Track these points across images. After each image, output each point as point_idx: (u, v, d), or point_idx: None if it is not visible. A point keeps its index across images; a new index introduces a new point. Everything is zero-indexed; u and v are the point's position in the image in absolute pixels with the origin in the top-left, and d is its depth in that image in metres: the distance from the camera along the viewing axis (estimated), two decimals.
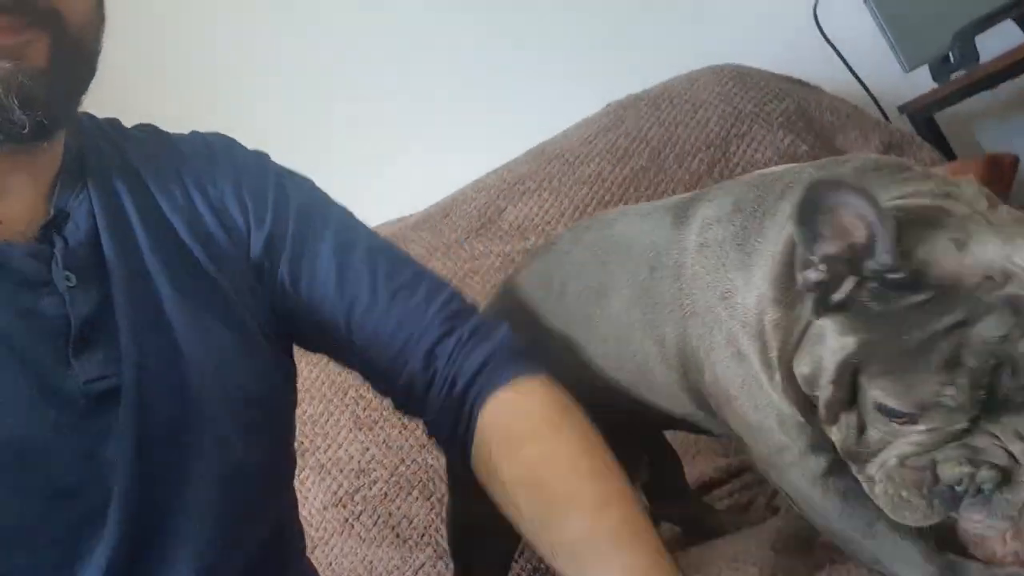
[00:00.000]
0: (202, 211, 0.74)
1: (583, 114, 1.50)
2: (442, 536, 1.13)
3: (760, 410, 0.65)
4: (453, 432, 0.73)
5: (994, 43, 1.42)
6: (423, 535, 1.15)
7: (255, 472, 0.70)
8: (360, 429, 1.24)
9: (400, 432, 1.23)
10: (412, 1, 1.66)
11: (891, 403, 0.52)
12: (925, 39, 1.42)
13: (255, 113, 1.52)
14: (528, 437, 0.70)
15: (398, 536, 1.16)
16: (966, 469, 0.51)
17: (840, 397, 0.55)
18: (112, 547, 0.59)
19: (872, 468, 0.56)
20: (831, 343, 0.55)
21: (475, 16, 1.66)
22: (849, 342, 0.54)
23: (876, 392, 0.53)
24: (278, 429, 0.76)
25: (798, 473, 0.65)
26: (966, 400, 0.49)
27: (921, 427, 0.52)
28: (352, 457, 1.23)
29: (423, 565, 1.13)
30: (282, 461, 0.78)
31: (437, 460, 1.20)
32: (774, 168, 0.76)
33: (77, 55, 0.64)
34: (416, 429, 1.22)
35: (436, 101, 1.66)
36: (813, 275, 0.55)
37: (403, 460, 1.21)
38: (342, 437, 1.24)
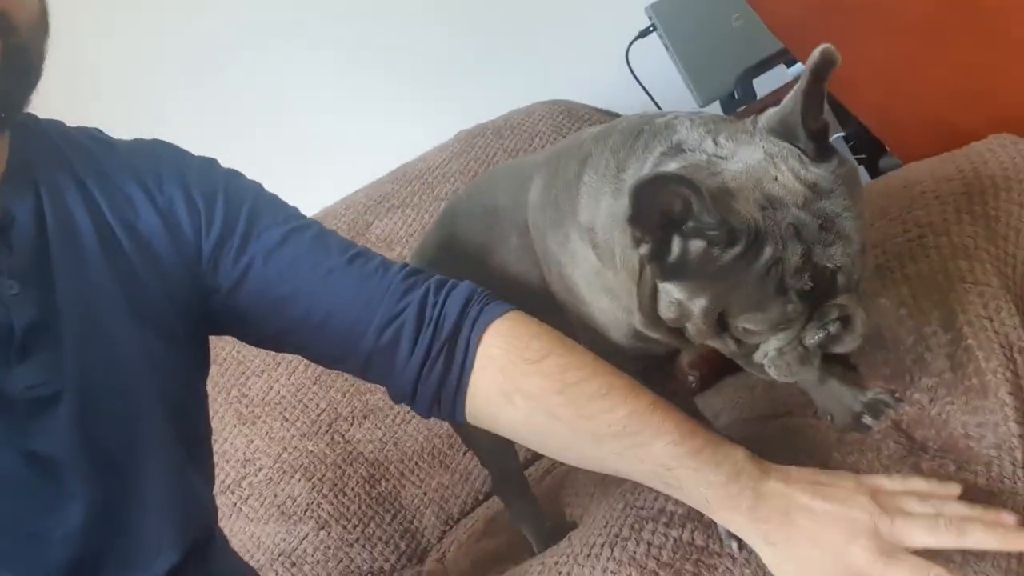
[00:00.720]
0: (144, 214, 0.74)
1: (437, 140, 1.70)
2: (323, 509, 1.28)
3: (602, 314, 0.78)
4: (444, 376, 0.75)
5: (769, 82, 1.76)
6: (306, 510, 1.27)
7: (194, 463, 0.77)
8: (244, 424, 1.35)
9: (282, 424, 1.35)
10: (289, 34, 1.81)
11: (754, 328, 0.64)
12: (715, 80, 1.73)
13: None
14: (546, 352, 0.73)
15: (283, 513, 1.28)
16: (820, 334, 0.64)
17: (711, 331, 0.66)
18: (70, 539, 0.64)
19: (758, 358, 0.67)
20: (686, 301, 0.65)
21: (345, 53, 1.86)
22: (703, 301, 0.64)
23: (740, 324, 0.64)
24: (199, 425, 0.81)
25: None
26: (802, 308, 0.63)
27: (784, 337, 0.65)
28: (237, 449, 1.33)
29: (307, 535, 1.25)
30: (206, 457, 0.83)
31: (316, 446, 1.33)
32: (568, 140, 0.86)
33: (25, 58, 0.65)
34: (297, 420, 1.36)
35: (306, 125, 1.83)
36: (643, 249, 0.63)
37: (285, 448, 1.33)
38: (227, 432, 1.34)
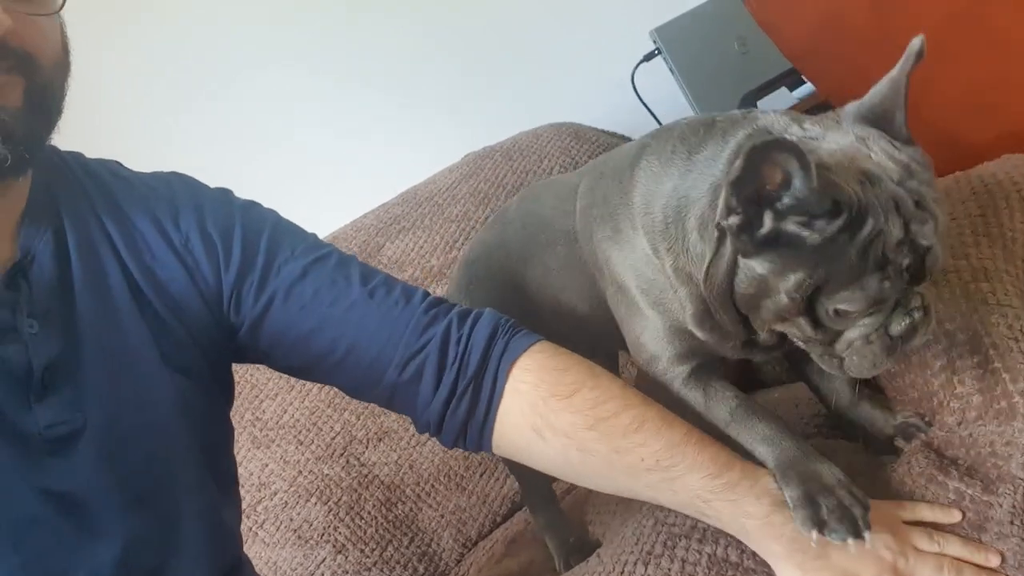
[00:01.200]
0: (160, 254, 0.74)
1: (444, 164, 1.71)
2: (340, 533, 1.28)
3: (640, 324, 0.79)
4: (471, 411, 0.75)
5: (772, 104, 1.79)
6: (323, 535, 1.27)
7: (223, 499, 0.78)
8: (258, 448, 1.35)
9: (296, 448, 1.35)
10: (294, 58, 1.82)
11: (851, 307, 0.64)
12: (719, 103, 1.75)
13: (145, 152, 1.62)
14: (577, 387, 0.74)
15: (299, 538, 1.28)
16: (907, 321, 0.65)
17: (796, 310, 0.65)
18: (108, 574, 0.64)
19: (839, 348, 0.67)
20: (772, 278, 0.64)
21: (349, 78, 1.87)
22: (797, 276, 0.63)
23: (837, 304, 0.64)
24: (225, 458, 0.82)
25: (668, 379, 0.78)
26: (899, 286, 0.63)
27: (868, 318, 0.65)
28: (252, 473, 1.33)
29: (324, 560, 1.25)
30: (236, 493, 0.84)
31: (332, 469, 1.33)
32: (611, 152, 0.89)
33: (48, 96, 0.67)
34: (312, 444, 1.36)
35: (312, 150, 1.84)
36: (734, 219, 0.62)
37: (300, 472, 1.33)
38: (241, 456, 1.34)
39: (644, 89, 1.77)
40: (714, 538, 0.76)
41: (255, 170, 1.78)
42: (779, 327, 0.69)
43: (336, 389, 0.83)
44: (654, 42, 1.69)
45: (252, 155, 1.84)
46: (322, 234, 1.63)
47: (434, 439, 0.81)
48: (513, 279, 0.96)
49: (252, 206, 0.82)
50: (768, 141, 0.59)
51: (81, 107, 0.72)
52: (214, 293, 0.76)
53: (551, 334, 0.84)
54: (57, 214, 0.72)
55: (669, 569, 0.75)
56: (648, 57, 1.73)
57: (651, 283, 0.77)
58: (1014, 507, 0.71)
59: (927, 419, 0.80)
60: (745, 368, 1.20)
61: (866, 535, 0.66)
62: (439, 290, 1.45)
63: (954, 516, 0.72)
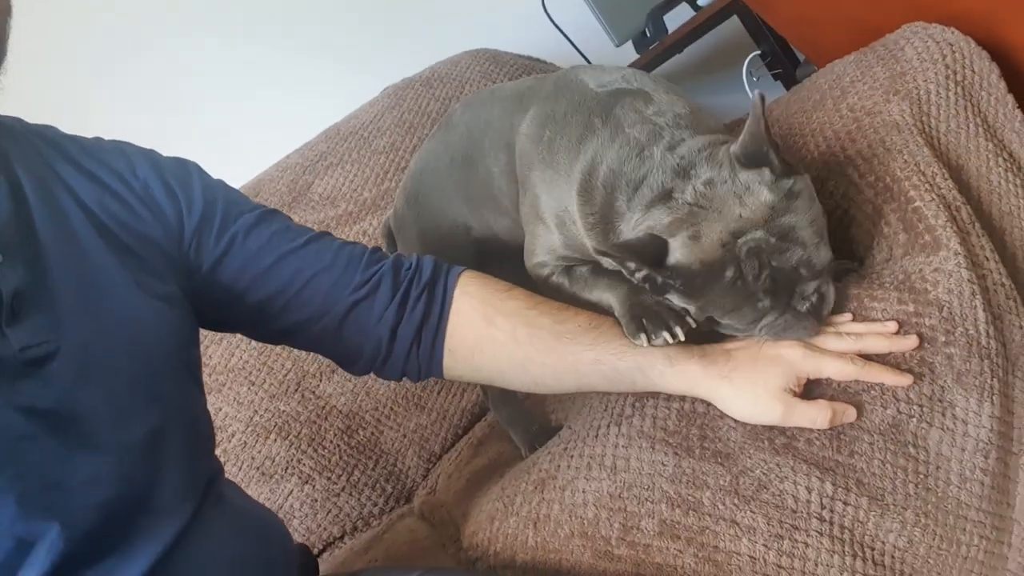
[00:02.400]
0: (122, 196, 0.77)
1: (363, 99, 1.70)
2: (304, 464, 1.29)
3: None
4: (426, 312, 0.83)
5: (678, 17, 1.84)
6: (287, 468, 1.28)
7: (200, 415, 0.80)
8: (210, 393, 1.33)
9: (249, 388, 1.34)
10: (198, 18, 1.78)
11: (739, 327, 0.78)
12: (627, 20, 1.80)
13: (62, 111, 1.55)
14: (509, 286, 0.86)
15: (263, 474, 1.28)
16: (806, 304, 0.77)
17: (708, 324, 0.79)
18: (93, 485, 0.65)
19: (755, 334, 0.79)
20: (680, 301, 0.78)
21: (262, 18, 1.83)
22: (692, 308, 0.77)
23: (725, 325, 0.78)
24: (200, 378, 0.84)
25: (544, 277, 0.92)
26: (773, 302, 0.75)
27: (766, 322, 0.77)
28: None
29: (291, 491, 1.26)
30: (207, 410, 0.84)
31: (288, 405, 1.33)
32: (569, 87, 0.92)
33: None
34: (264, 383, 1.35)
35: (228, 108, 1.81)
36: (639, 276, 0.77)
37: (255, 412, 1.32)
38: None
39: (556, 12, 1.79)
40: (680, 396, 0.81)
41: (170, 135, 1.73)
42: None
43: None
44: None
45: (160, 118, 1.78)
46: (243, 179, 1.63)
47: (380, 378, 0.88)
48: (457, 182, 1.02)
49: (202, 168, 0.86)
50: (626, 247, 0.76)
51: None
52: (176, 234, 0.79)
53: (490, 237, 0.99)
54: (8, 166, 0.73)
55: (641, 426, 0.79)
56: None
57: (567, 225, 0.87)
58: (941, 325, 0.78)
59: (858, 261, 0.87)
60: None
61: (678, 331, 0.77)
62: (376, 222, 1.45)
63: (846, 316, 0.81)
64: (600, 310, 0.86)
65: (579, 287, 0.90)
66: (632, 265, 0.76)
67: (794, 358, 0.76)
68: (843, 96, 0.96)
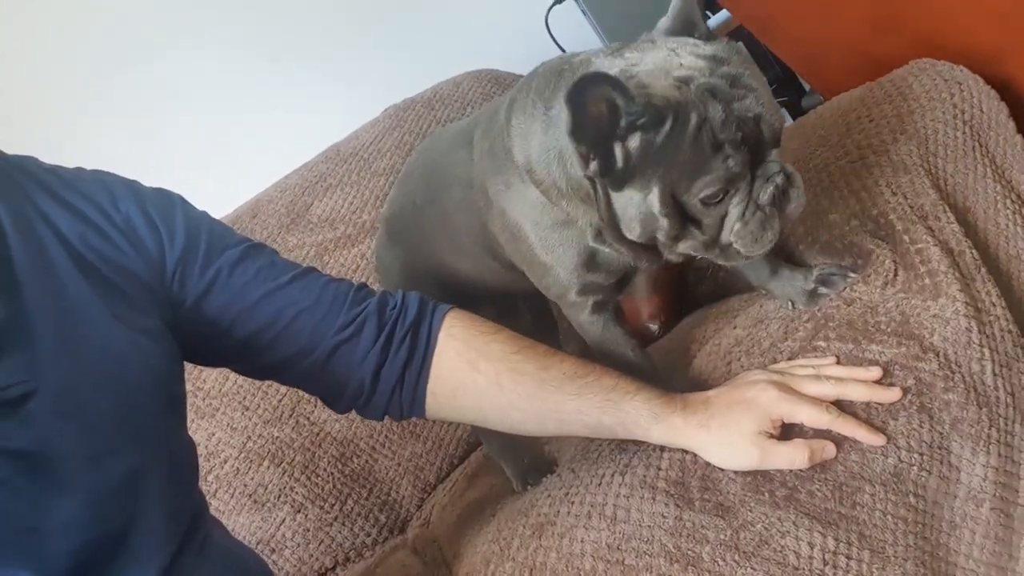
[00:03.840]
0: (103, 229, 0.76)
1: (364, 119, 1.68)
2: (297, 492, 1.27)
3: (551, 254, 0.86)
4: (410, 355, 0.83)
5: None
6: (279, 496, 1.26)
7: (183, 452, 0.79)
8: (203, 418, 1.32)
9: (243, 414, 1.32)
10: (214, 25, 1.77)
11: (708, 193, 0.71)
12: (631, 41, 1.78)
13: (60, 131, 1.55)
14: (498, 328, 0.85)
15: (255, 502, 1.26)
16: (770, 187, 0.72)
17: (676, 222, 0.73)
18: (67, 530, 0.65)
19: (724, 237, 0.74)
20: (644, 202, 0.72)
21: (264, 37, 1.81)
22: (656, 190, 0.71)
23: (696, 195, 0.71)
24: (184, 414, 0.83)
25: (575, 309, 0.89)
26: (741, 159, 0.70)
27: (732, 196, 0.72)
28: (199, 444, 1.30)
29: (284, 520, 1.25)
30: (192, 445, 0.83)
31: (282, 432, 1.31)
32: (502, 96, 0.92)
33: None
34: (259, 408, 1.34)
35: (229, 124, 1.80)
36: (593, 165, 0.71)
37: (249, 437, 1.31)
38: None
39: (559, 31, 1.78)
40: (683, 449, 0.80)
41: (168, 153, 1.73)
42: (680, 248, 0.77)
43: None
44: None
45: (158, 134, 1.77)
46: (244, 200, 1.62)
47: (363, 417, 0.88)
48: (420, 228, 1.02)
49: (186, 201, 0.85)
50: (578, 82, 0.65)
51: None
52: (158, 267, 0.78)
53: (461, 275, 0.99)
54: None
55: (644, 475, 0.78)
56: (559, 0, 1.74)
57: (548, 229, 0.84)
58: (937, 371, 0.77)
59: (845, 268, 0.86)
60: (679, 289, 1.24)
61: None
62: (374, 246, 1.44)
63: (829, 360, 0.81)
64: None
65: (611, 346, 0.88)
66: (583, 146, 0.70)
67: (768, 401, 0.76)
68: (848, 133, 0.95)
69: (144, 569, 0.69)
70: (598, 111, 0.67)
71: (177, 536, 0.74)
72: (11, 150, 0.79)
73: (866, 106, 0.97)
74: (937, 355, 0.77)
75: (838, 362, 0.80)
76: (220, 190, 1.66)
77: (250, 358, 0.83)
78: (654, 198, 0.71)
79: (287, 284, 0.82)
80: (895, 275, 0.82)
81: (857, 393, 0.77)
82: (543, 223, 0.84)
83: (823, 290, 0.87)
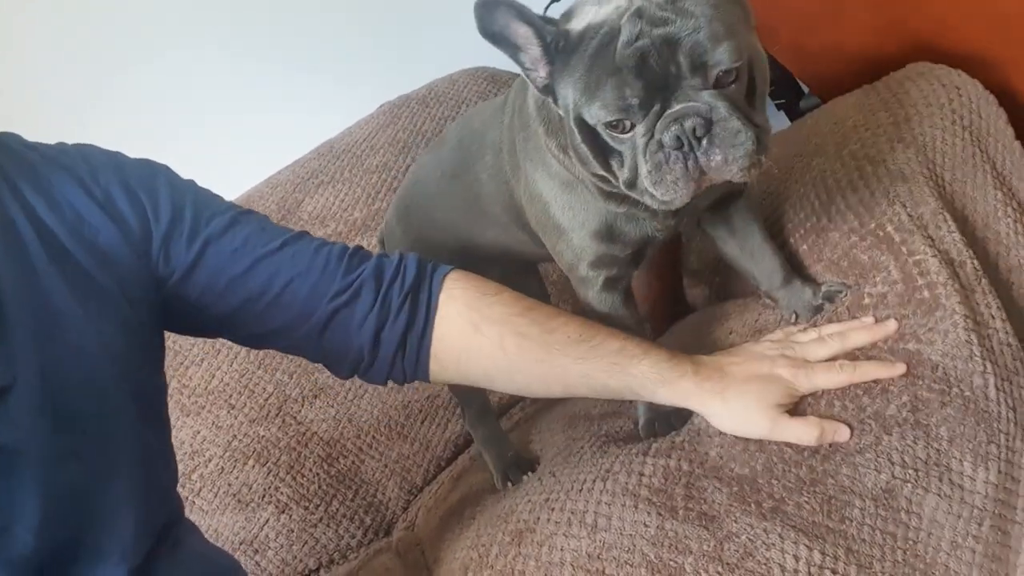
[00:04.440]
0: (84, 210, 0.74)
1: (358, 115, 1.67)
2: (281, 493, 1.26)
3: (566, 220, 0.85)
4: (411, 319, 0.80)
5: None
6: (263, 496, 1.25)
7: (159, 452, 0.78)
8: (188, 415, 1.31)
9: (228, 412, 1.31)
10: (202, 18, 1.74)
11: (605, 117, 0.67)
12: None
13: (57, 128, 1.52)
14: (500, 288, 0.83)
15: (239, 502, 1.25)
16: (674, 127, 0.65)
17: (596, 151, 0.71)
18: (36, 528, 0.64)
19: (641, 184, 0.70)
20: (571, 127, 0.72)
21: (258, 33, 1.79)
22: (569, 109, 0.70)
23: (594, 117, 0.68)
24: (162, 415, 0.82)
25: (585, 284, 0.87)
26: (640, 89, 0.65)
27: (639, 132, 0.67)
28: (184, 442, 1.29)
29: (267, 521, 1.23)
30: (170, 446, 0.84)
31: (268, 431, 1.30)
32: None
33: None
34: (245, 407, 1.32)
35: (223, 123, 1.77)
36: (539, 80, 0.71)
37: (235, 436, 1.29)
38: (171, 425, 1.30)
39: None
40: (667, 452, 0.78)
41: (161, 148, 1.70)
42: (614, 178, 0.73)
43: (264, 351, 0.82)
44: None
45: (154, 132, 1.75)
46: (236, 195, 1.60)
47: (368, 390, 0.82)
48: (446, 195, 1.00)
49: (171, 170, 0.83)
50: (480, 2, 0.67)
51: None
52: (142, 244, 0.76)
53: (481, 246, 0.98)
54: None
55: (627, 483, 0.76)
56: None
57: (560, 189, 0.82)
58: (935, 386, 0.75)
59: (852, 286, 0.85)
60: (672, 292, 1.23)
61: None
62: (365, 243, 1.42)
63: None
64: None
65: (618, 322, 0.86)
66: (524, 63, 0.71)
67: (787, 375, 0.76)
68: (844, 142, 0.93)
69: (114, 569, 0.68)
70: (523, 33, 0.69)
71: (149, 537, 0.72)
72: None
73: (863, 113, 0.96)
74: (935, 369, 0.76)
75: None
76: (215, 187, 1.65)
77: (243, 326, 0.81)
78: (569, 121, 0.71)
79: (278, 249, 0.79)
80: (893, 288, 0.81)
81: (861, 338, 0.78)
82: (556, 181, 0.82)
83: (826, 305, 0.86)
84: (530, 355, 0.79)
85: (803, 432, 0.74)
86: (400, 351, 0.81)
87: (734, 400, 0.76)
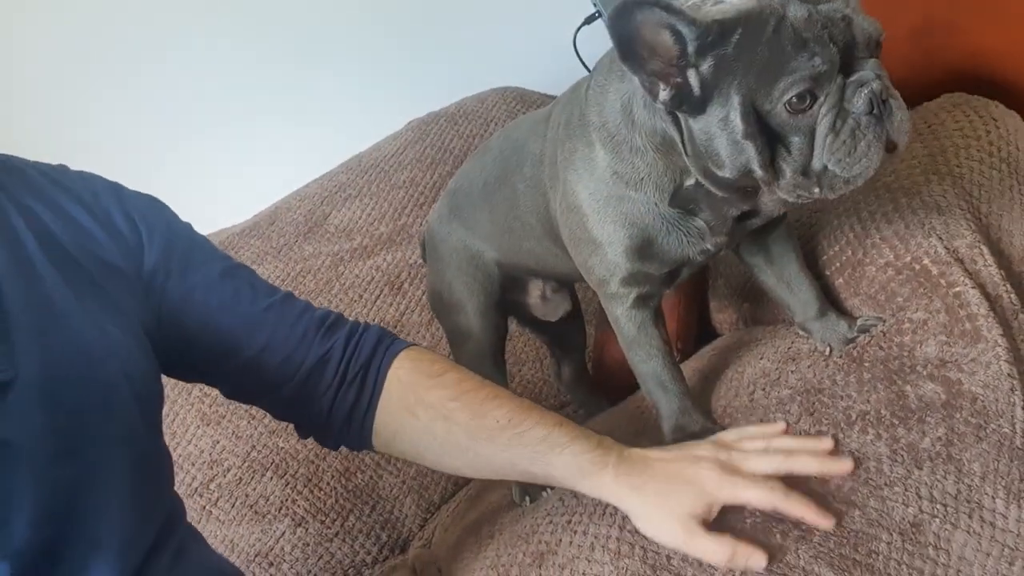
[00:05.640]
0: (86, 224, 0.77)
1: (387, 131, 1.69)
2: (298, 505, 1.25)
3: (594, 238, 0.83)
4: (359, 395, 0.84)
5: None
6: (280, 508, 1.25)
7: (155, 453, 0.79)
8: (208, 424, 1.31)
9: (248, 423, 1.31)
10: (235, 29, 1.77)
11: (792, 93, 0.65)
12: None
13: (81, 138, 1.55)
14: (445, 370, 0.86)
15: (256, 513, 1.25)
16: (865, 90, 0.66)
17: (762, 140, 0.68)
18: (33, 522, 0.64)
19: (817, 164, 0.68)
20: (726, 125, 0.67)
21: (291, 46, 1.82)
22: (736, 102, 0.66)
23: (781, 98, 0.66)
24: (159, 419, 0.83)
25: (615, 301, 0.86)
26: (829, 56, 0.65)
27: (821, 104, 0.66)
28: (203, 451, 1.29)
29: (283, 534, 1.23)
30: (166, 448, 0.84)
31: (287, 442, 1.30)
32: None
33: None
34: (265, 418, 1.32)
35: (253, 129, 1.80)
36: (664, 94, 0.67)
37: (254, 447, 1.30)
38: (191, 434, 1.31)
39: (587, 52, 1.76)
40: None
41: (193, 161, 1.74)
42: (779, 184, 0.71)
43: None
44: (594, 4, 1.68)
45: (182, 138, 1.78)
46: (265, 206, 1.61)
47: (322, 446, 0.90)
48: (486, 205, 1.01)
49: (171, 209, 0.86)
50: (619, 7, 0.62)
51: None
52: (136, 263, 0.79)
53: (519, 256, 0.99)
54: None
55: None
56: (589, 20, 1.73)
57: (603, 202, 0.81)
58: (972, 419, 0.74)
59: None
60: (699, 316, 1.22)
61: None
62: (390, 258, 1.43)
63: (780, 427, 0.79)
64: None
65: (639, 353, 0.86)
66: (642, 78, 0.67)
67: (711, 485, 0.73)
68: (879, 174, 0.92)
69: (113, 563, 0.68)
70: (662, 40, 0.65)
71: (148, 536, 0.73)
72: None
73: None
74: (973, 401, 0.74)
75: (787, 430, 0.78)
76: (244, 198, 1.67)
77: (217, 379, 0.85)
78: (736, 115, 0.67)
79: (263, 311, 0.83)
80: (935, 316, 0.79)
81: (807, 466, 0.74)
82: (600, 193, 0.81)
83: (861, 338, 0.84)
84: (456, 442, 0.82)
85: (713, 551, 0.70)
86: (347, 424, 0.85)
87: (651, 499, 0.74)
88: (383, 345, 0.87)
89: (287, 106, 1.82)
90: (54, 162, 0.83)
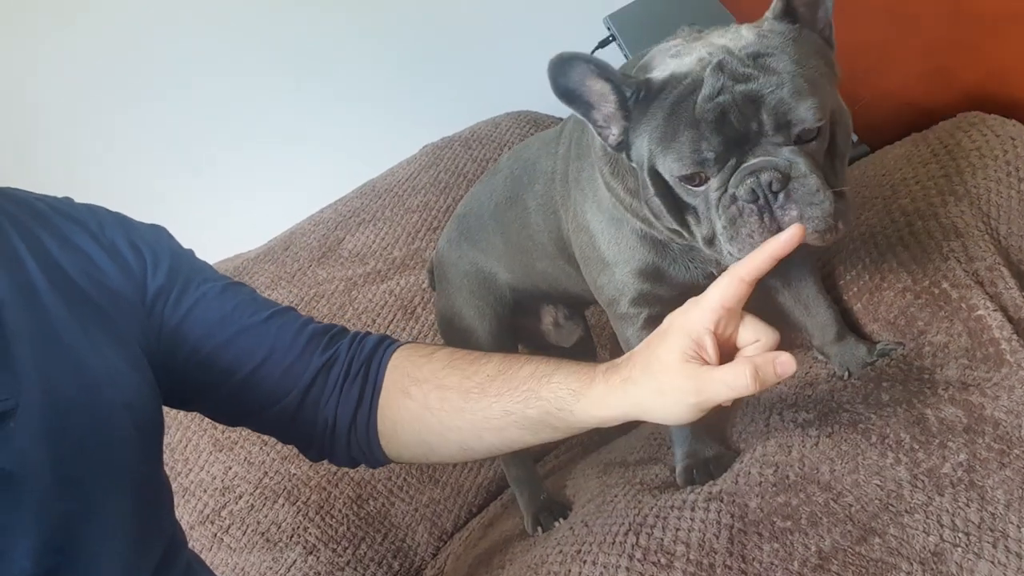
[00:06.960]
0: (94, 255, 0.78)
1: (401, 156, 1.69)
2: (310, 533, 1.24)
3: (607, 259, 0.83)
4: (361, 393, 0.82)
5: None
6: (292, 536, 1.23)
7: (155, 481, 0.78)
8: (220, 451, 1.31)
9: (261, 449, 1.30)
10: (254, 57, 1.79)
11: (679, 170, 0.66)
12: None
13: (99, 162, 1.57)
14: (434, 351, 0.84)
15: (268, 540, 1.23)
16: (750, 180, 0.63)
17: (670, 204, 0.69)
18: (32, 554, 0.63)
19: (720, 240, 0.68)
20: (645, 180, 0.70)
21: (305, 72, 1.83)
22: (644, 162, 0.69)
23: (668, 169, 0.67)
24: (160, 449, 0.82)
25: (624, 322, 0.85)
26: (718, 144, 0.64)
27: (713, 185, 0.66)
28: (215, 477, 1.29)
29: (294, 562, 1.21)
30: (165, 477, 0.83)
31: (299, 469, 1.29)
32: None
33: None
34: (277, 444, 1.31)
35: (267, 154, 1.80)
36: (613, 138, 0.70)
37: (266, 473, 1.29)
38: (203, 460, 1.30)
39: None
40: (705, 505, 0.75)
41: (206, 188, 1.75)
42: (690, 232, 0.72)
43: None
44: (608, 29, 1.69)
45: (203, 160, 1.79)
46: (280, 231, 1.62)
47: (335, 465, 0.88)
48: (498, 226, 1.01)
49: (173, 237, 0.87)
50: (555, 58, 0.66)
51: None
52: (140, 290, 0.79)
53: (531, 277, 0.99)
54: None
55: (662, 538, 0.73)
56: (603, 44, 1.73)
57: (608, 223, 0.81)
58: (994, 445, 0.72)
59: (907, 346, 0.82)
60: None
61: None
62: (404, 282, 1.42)
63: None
64: None
65: None
66: (580, 111, 0.69)
67: (684, 320, 0.66)
68: (894, 196, 0.91)
69: None
70: (599, 89, 0.68)
71: (149, 566, 0.72)
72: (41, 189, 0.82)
73: (912, 165, 0.93)
74: (996, 427, 0.72)
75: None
76: (259, 223, 1.68)
77: (220, 404, 0.83)
78: (645, 175, 0.70)
79: (264, 321, 0.83)
80: (956, 340, 0.78)
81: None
82: (606, 214, 0.81)
83: (881, 362, 0.83)
84: (452, 406, 0.78)
85: (733, 376, 0.62)
86: (352, 426, 0.83)
87: (642, 377, 0.67)
88: (383, 344, 0.87)
89: (302, 132, 1.83)
90: (71, 191, 0.84)
